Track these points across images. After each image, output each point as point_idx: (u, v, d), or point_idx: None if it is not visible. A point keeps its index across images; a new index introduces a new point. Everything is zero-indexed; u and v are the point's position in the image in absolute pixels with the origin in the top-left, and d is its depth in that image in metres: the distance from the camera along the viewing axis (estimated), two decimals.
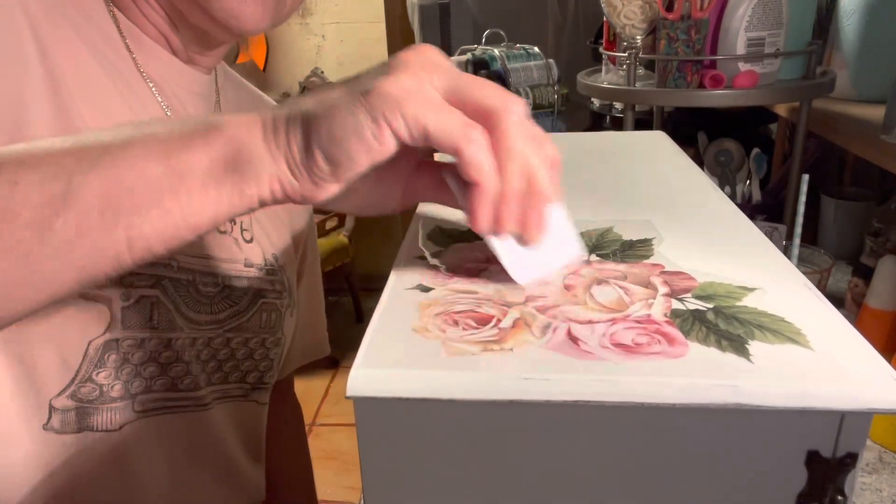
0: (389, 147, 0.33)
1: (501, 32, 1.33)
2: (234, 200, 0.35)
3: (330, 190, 0.35)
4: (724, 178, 1.26)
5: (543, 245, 0.36)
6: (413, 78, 0.32)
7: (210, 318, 0.57)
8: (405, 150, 0.34)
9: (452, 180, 0.37)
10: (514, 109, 0.33)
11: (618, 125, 1.57)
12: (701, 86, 1.00)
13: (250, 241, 0.61)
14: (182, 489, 0.58)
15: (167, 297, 0.53)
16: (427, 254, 0.39)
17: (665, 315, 0.32)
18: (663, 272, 0.37)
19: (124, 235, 0.33)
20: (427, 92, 0.32)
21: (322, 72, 2.85)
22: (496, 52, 1.24)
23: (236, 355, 0.61)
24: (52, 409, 0.49)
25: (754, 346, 0.29)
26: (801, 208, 0.78)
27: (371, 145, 0.32)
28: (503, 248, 0.36)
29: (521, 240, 0.35)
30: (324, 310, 0.81)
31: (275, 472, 0.76)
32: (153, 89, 0.54)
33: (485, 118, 0.33)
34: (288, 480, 0.79)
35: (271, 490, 0.74)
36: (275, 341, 0.65)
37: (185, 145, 0.34)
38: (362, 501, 0.32)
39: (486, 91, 0.33)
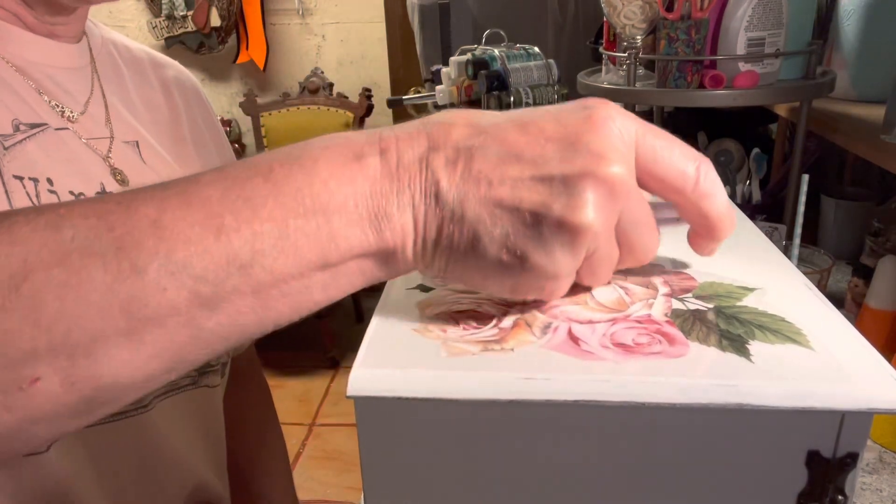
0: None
1: (501, 32, 1.33)
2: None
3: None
4: (724, 178, 1.26)
5: None
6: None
7: None
8: None
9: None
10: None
11: None
12: (701, 86, 1.00)
13: None
14: None
15: None
16: None
17: (665, 315, 0.32)
18: (663, 272, 0.37)
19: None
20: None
21: (322, 72, 2.85)
22: (496, 52, 1.23)
23: None
24: None
25: (754, 346, 0.29)
26: (801, 208, 0.78)
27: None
28: None
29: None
30: None
31: (247, 462, 0.75)
32: (17, 72, 0.50)
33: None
34: (262, 470, 0.77)
35: (246, 481, 0.73)
36: None
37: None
38: (362, 501, 0.32)
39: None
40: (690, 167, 0.30)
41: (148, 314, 0.27)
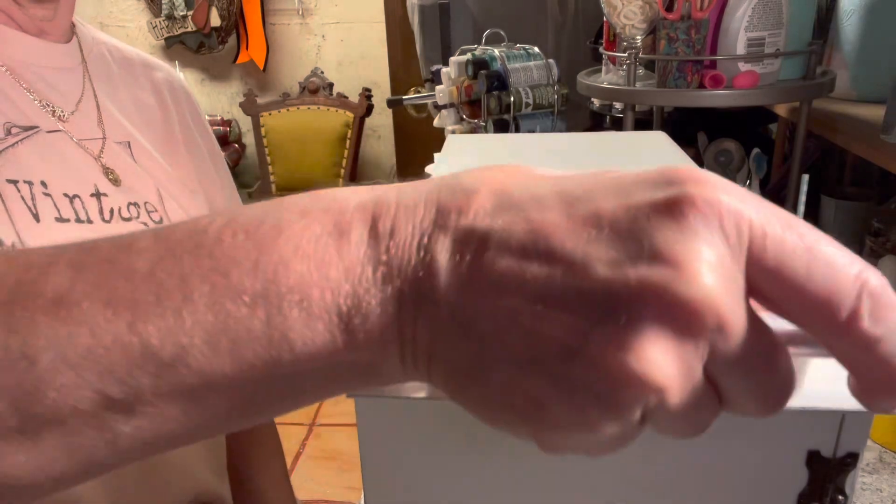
0: None
1: (501, 32, 1.33)
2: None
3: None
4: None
5: None
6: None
7: None
8: None
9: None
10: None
11: (618, 125, 1.57)
12: (701, 86, 1.00)
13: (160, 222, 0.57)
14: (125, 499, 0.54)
15: None
16: None
17: None
18: None
19: None
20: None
21: (322, 72, 2.85)
22: (496, 52, 1.24)
23: None
24: None
25: None
26: (801, 208, 0.77)
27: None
28: None
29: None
30: None
31: (241, 459, 0.75)
32: (8, 74, 0.51)
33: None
34: (257, 467, 0.77)
35: (241, 478, 0.74)
36: None
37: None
38: (362, 501, 0.32)
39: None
40: (845, 283, 0.18)
41: (42, 412, 0.22)
